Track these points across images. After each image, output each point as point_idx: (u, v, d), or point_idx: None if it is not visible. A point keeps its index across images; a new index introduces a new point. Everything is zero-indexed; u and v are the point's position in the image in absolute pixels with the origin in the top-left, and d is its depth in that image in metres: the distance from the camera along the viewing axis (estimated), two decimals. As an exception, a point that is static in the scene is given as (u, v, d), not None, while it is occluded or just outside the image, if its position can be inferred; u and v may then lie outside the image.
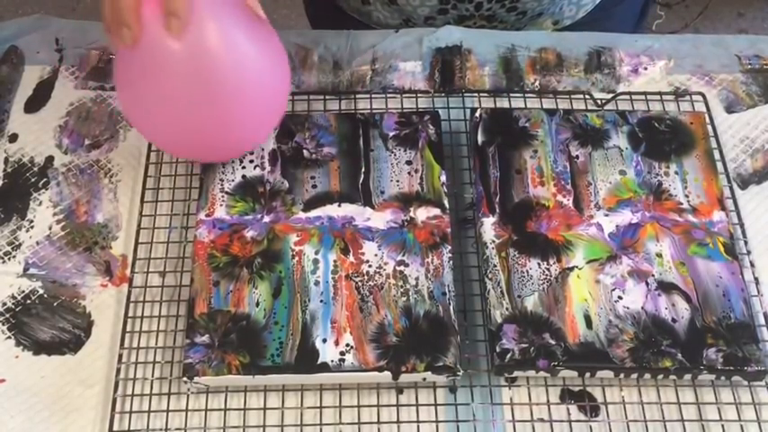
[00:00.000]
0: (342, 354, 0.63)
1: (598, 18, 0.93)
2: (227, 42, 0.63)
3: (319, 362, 0.63)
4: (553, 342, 0.64)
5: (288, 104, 0.78)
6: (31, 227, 0.73)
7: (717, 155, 0.75)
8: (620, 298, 0.66)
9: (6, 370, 0.66)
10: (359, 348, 0.63)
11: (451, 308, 0.65)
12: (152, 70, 0.62)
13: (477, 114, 0.75)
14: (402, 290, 0.66)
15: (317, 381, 0.63)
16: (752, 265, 0.70)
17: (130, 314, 0.68)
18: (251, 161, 0.72)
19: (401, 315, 0.65)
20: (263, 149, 0.73)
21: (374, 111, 0.78)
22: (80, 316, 0.69)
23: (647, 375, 0.64)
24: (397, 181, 0.72)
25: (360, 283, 0.66)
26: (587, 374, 0.64)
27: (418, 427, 0.63)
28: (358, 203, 0.70)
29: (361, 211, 0.70)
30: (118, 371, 0.65)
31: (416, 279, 0.66)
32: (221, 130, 0.66)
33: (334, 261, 0.67)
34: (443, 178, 0.72)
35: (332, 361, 0.63)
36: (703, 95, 0.80)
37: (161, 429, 0.63)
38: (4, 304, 0.69)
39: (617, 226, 0.70)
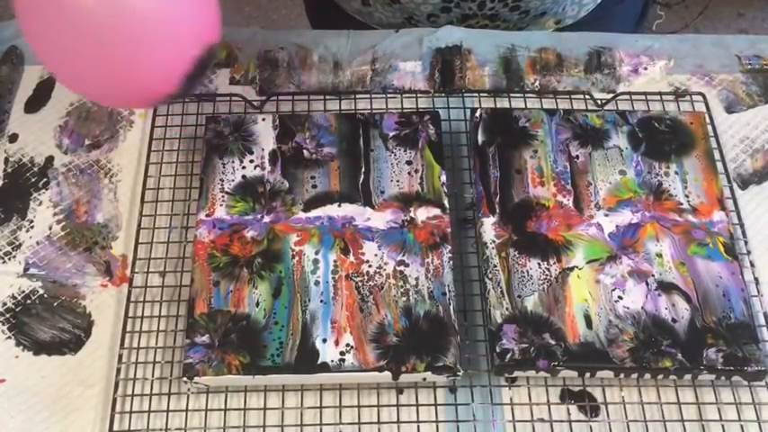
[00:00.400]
0: (342, 354, 0.63)
1: (599, 17, 0.93)
2: None
3: (319, 362, 0.63)
4: (553, 342, 0.64)
5: (288, 104, 0.79)
6: (31, 227, 0.73)
7: (717, 155, 0.75)
8: (620, 298, 0.66)
9: (6, 370, 0.66)
10: (359, 348, 0.63)
11: (451, 308, 0.65)
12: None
13: (477, 114, 0.75)
14: (402, 290, 0.66)
15: (316, 381, 0.63)
16: (752, 265, 0.70)
17: (130, 314, 0.68)
18: (251, 161, 0.72)
19: (401, 315, 0.65)
20: (263, 149, 0.73)
21: (374, 111, 0.78)
22: (80, 316, 0.69)
23: (647, 375, 0.64)
24: (397, 181, 0.72)
25: (360, 283, 0.66)
26: (587, 374, 0.64)
27: (418, 427, 0.63)
28: (358, 203, 0.70)
29: (361, 211, 0.70)
30: (118, 371, 0.65)
31: (416, 279, 0.66)
32: (105, 68, 0.62)
33: (335, 261, 0.67)
34: (443, 178, 0.72)
35: (332, 361, 0.63)
36: (703, 95, 0.80)
37: (161, 429, 0.63)
38: (4, 304, 0.69)
39: (617, 226, 0.70)
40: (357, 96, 0.80)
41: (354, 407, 0.64)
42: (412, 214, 0.70)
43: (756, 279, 0.69)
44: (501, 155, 0.73)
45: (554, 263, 0.67)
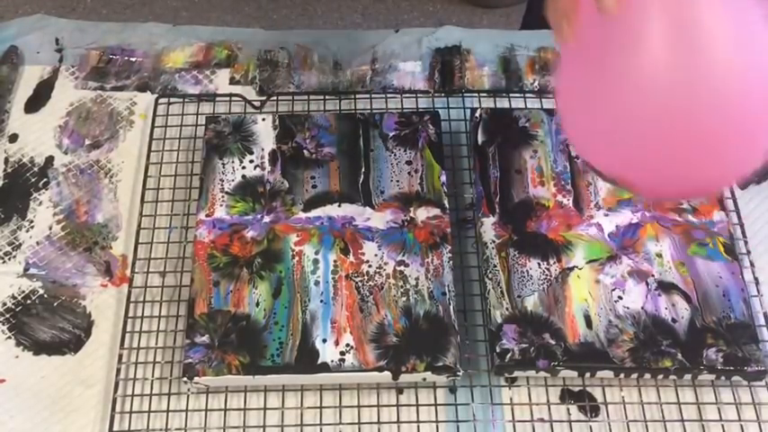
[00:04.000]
0: (342, 354, 0.63)
1: None
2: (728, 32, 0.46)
3: (319, 362, 0.63)
4: (553, 342, 0.64)
5: (288, 104, 0.79)
6: (32, 227, 0.73)
7: (717, 155, 0.75)
8: (620, 298, 0.66)
9: (6, 370, 0.66)
10: (359, 348, 0.63)
11: (451, 308, 0.65)
12: (611, 76, 0.48)
13: (477, 114, 0.75)
14: (402, 290, 0.66)
15: (316, 381, 0.63)
16: (752, 265, 0.70)
17: (130, 314, 0.68)
18: (251, 161, 0.72)
19: (401, 315, 0.65)
20: (263, 149, 0.73)
21: (374, 111, 0.78)
22: (80, 316, 0.69)
23: (647, 375, 0.64)
24: (397, 181, 0.72)
25: (360, 283, 0.66)
26: (587, 374, 0.64)
27: (418, 427, 0.63)
28: (358, 203, 0.70)
29: (361, 211, 0.70)
30: (118, 371, 0.65)
31: (416, 279, 0.66)
32: (715, 151, 0.49)
33: (334, 261, 0.67)
34: (443, 178, 0.71)
35: (332, 361, 0.63)
36: (703, 95, 0.80)
37: (161, 429, 0.63)
38: (5, 304, 0.69)
39: (617, 226, 0.69)
40: (357, 96, 0.80)
41: (354, 407, 0.64)
42: (412, 214, 0.70)
43: (756, 279, 0.69)
44: (501, 155, 0.73)
45: (554, 263, 0.67)
